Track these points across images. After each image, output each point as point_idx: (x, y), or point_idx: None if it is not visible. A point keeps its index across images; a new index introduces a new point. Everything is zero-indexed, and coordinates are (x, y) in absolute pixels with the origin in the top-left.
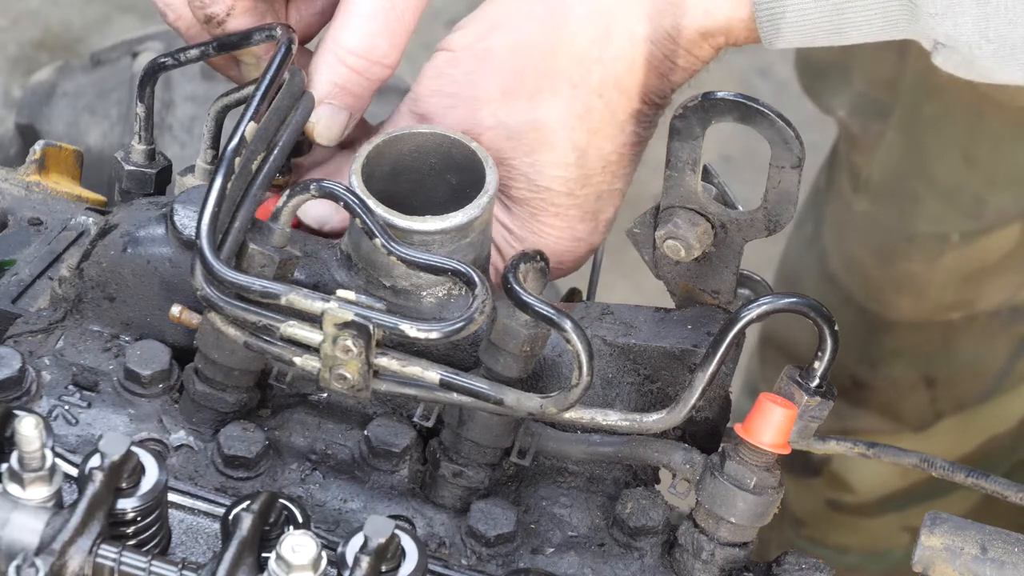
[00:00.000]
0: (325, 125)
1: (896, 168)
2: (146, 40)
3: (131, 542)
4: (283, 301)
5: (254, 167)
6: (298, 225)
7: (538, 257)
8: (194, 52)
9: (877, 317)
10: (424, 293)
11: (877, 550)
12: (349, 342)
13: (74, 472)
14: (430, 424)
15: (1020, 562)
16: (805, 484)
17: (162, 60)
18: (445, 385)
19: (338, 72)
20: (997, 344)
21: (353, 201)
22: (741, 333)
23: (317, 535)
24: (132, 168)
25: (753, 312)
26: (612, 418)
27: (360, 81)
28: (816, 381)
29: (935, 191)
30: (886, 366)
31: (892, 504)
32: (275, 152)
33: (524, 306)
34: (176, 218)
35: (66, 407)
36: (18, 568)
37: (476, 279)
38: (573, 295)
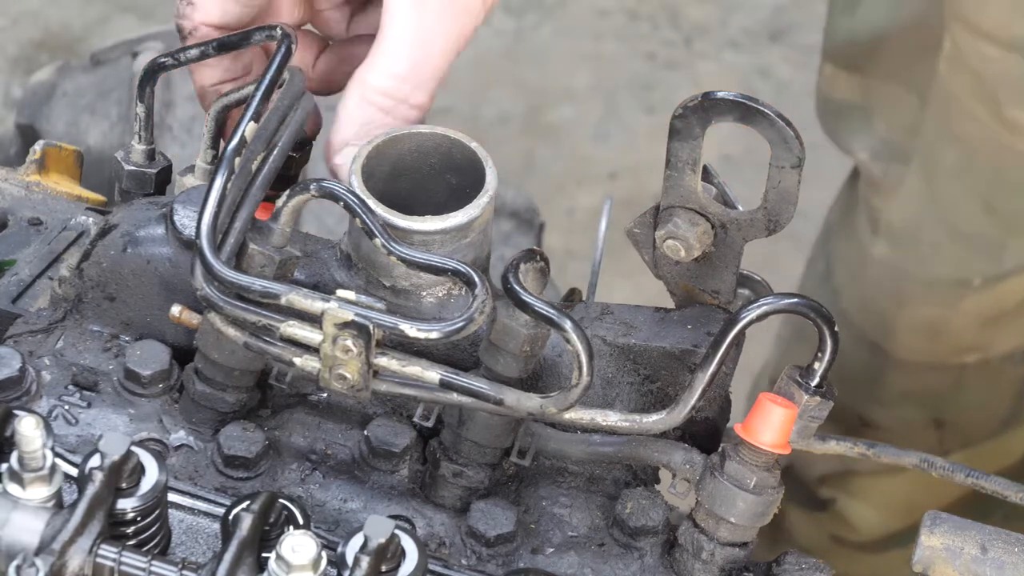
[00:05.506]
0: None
1: (916, 214)
2: (146, 40)
3: (131, 542)
4: (283, 301)
5: (254, 167)
6: None
7: (538, 257)
8: (194, 52)
9: (890, 356)
10: (424, 293)
11: None
12: (349, 342)
13: (74, 472)
14: (430, 424)
15: (1020, 562)
16: (811, 516)
17: (162, 60)
18: (445, 385)
19: (365, 112)
20: (1005, 385)
21: (353, 201)
22: (741, 333)
23: (317, 535)
24: (132, 168)
25: (753, 312)
26: (612, 418)
27: (386, 121)
28: (816, 381)
29: (956, 237)
30: (896, 407)
31: (896, 541)
32: (275, 152)
33: (524, 306)
34: (176, 218)
35: (66, 407)
36: (18, 568)
37: (476, 279)
38: (573, 295)
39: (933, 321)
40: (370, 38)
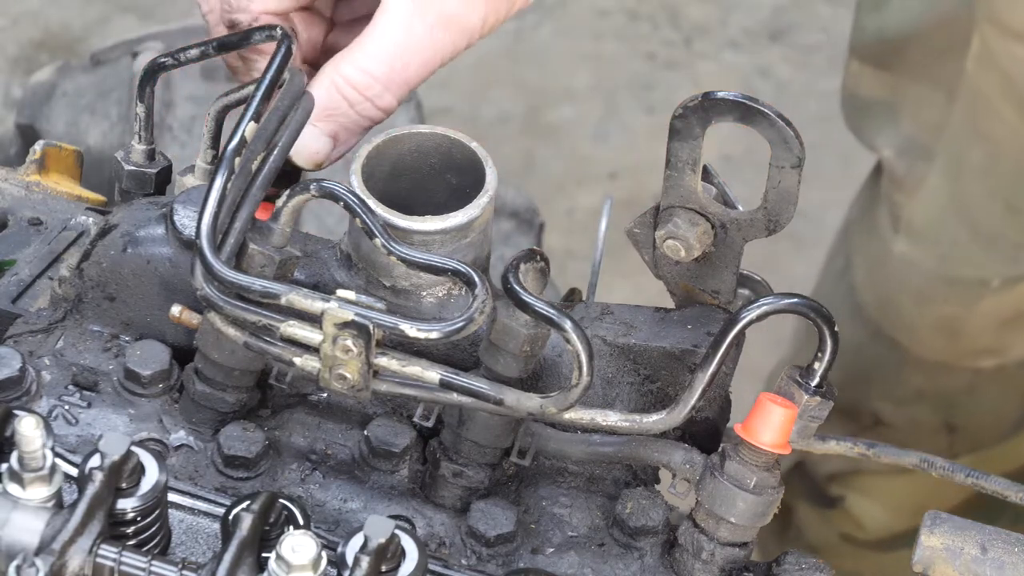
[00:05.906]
0: (303, 144)
1: (938, 212)
2: (146, 40)
3: (131, 542)
4: (283, 301)
5: (254, 167)
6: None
7: (538, 257)
8: (194, 52)
9: (907, 353)
10: (424, 293)
11: None
12: (349, 342)
13: (74, 472)
14: (430, 424)
15: (1020, 562)
16: (820, 513)
17: (162, 60)
18: (445, 385)
19: (331, 98)
20: (1018, 391)
21: (353, 201)
22: (741, 333)
23: (317, 535)
24: (132, 168)
25: (753, 312)
26: (612, 419)
27: (349, 112)
28: (816, 381)
29: (977, 237)
30: (910, 405)
31: (903, 540)
32: (275, 152)
33: (524, 306)
34: (176, 218)
35: (66, 407)
36: (18, 568)
37: (476, 279)
38: (573, 295)
39: (951, 320)
40: None
